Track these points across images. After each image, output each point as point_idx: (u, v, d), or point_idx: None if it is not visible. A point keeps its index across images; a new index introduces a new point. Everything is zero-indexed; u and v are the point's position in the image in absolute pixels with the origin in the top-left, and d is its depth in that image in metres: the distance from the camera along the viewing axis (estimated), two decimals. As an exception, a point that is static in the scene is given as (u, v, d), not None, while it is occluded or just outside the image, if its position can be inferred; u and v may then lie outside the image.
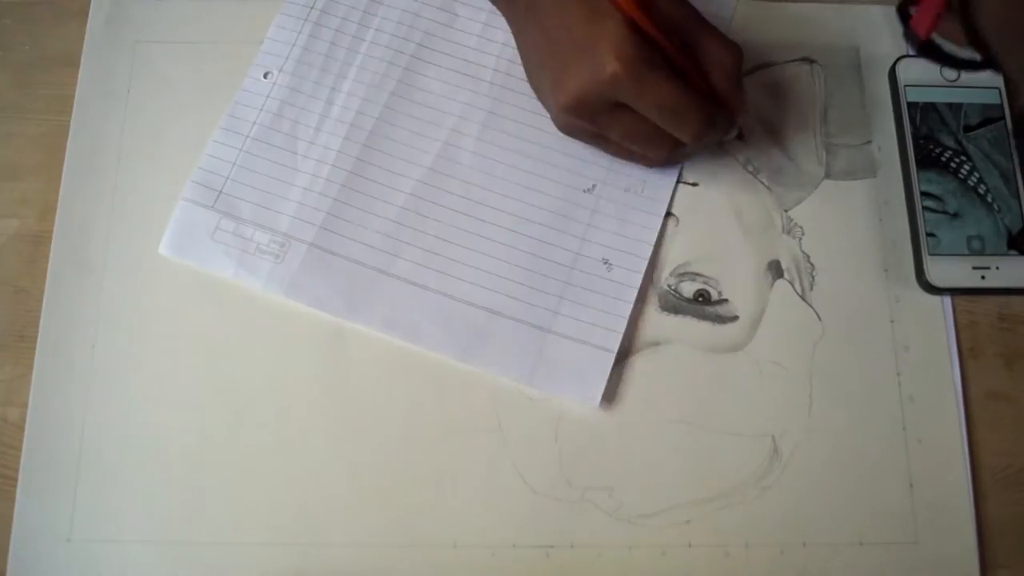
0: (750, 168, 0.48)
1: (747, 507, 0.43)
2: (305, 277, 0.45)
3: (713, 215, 0.47)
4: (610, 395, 0.44)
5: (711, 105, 0.41)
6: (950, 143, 0.47)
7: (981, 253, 0.45)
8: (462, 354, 0.44)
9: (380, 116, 0.48)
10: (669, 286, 0.46)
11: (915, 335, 0.45)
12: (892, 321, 0.46)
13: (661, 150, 0.43)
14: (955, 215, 0.46)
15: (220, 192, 0.46)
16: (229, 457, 0.43)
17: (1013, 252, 0.45)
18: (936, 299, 0.46)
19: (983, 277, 0.45)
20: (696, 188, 0.48)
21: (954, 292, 0.46)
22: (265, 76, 0.49)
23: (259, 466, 0.43)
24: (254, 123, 0.48)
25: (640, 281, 0.45)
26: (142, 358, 0.45)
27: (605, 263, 0.45)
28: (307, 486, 0.43)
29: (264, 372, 0.45)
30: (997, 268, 0.45)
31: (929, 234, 0.46)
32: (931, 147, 0.47)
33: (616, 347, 0.44)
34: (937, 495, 0.43)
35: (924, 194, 0.46)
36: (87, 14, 0.50)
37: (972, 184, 0.47)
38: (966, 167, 0.47)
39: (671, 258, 0.46)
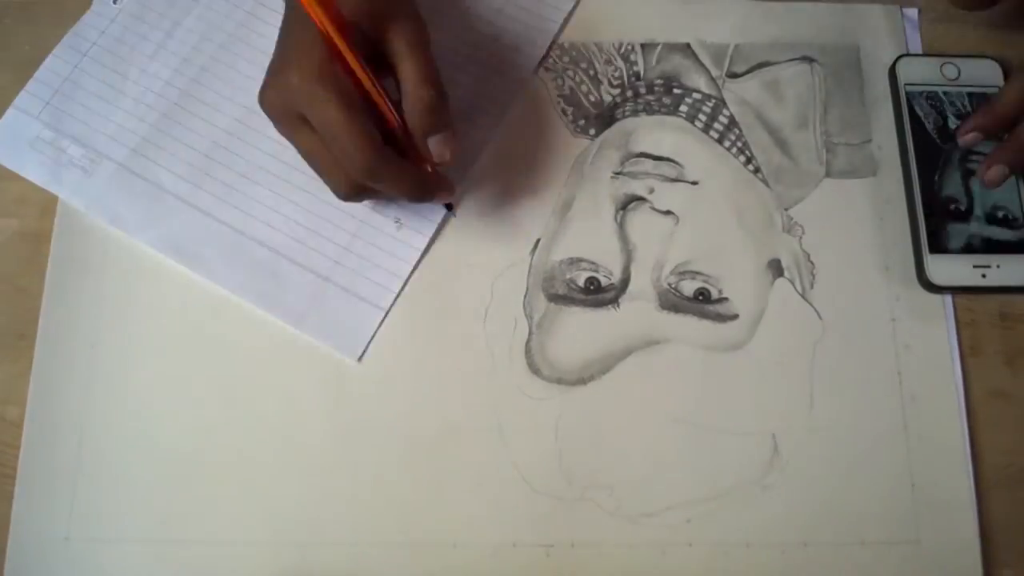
0: (750, 167, 0.48)
1: (747, 506, 0.43)
2: (108, 194, 0.47)
3: (713, 214, 0.47)
4: (373, 354, 0.45)
5: (380, 150, 0.39)
6: None
7: (982, 251, 0.45)
8: (239, 289, 0.45)
9: (213, 55, 0.50)
10: (669, 284, 0.46)
11: (916, 334, 0.45)
12: (893, 320, 0.46)
13: (335, 180, 0.41)
14: None
15: (47, 103, 0.48)
16: (228, 457, 0.43)
17: (1013, 251, 0.45)
18: (937, 298, 0.46)
19: (984, 276, 0.45)
20: (696, 187, 0.48)
21: (955, 291, 0.46)
22: (115, 1, 0.50)
23: (259, 466, 0.43)
24: (94, 43, 0.50)
25: (425, 244, 0.46)
26: (141, 358, 0.45)
27: (397, 222, 0.47)
28: (307, 486, 0.43)
29: (264, 372, 0.44)
30: (998, 266, 0.45)
31: (930, 233, 0.46)
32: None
33: (387, 305, 0.45)
34: (939, 494, 0.43)
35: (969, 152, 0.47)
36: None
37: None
38: None
39: (671, 257, 0.46)
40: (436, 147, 0.41)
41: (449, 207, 0.47)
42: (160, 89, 0.49)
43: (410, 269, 0.46)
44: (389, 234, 0.46)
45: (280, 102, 0.40)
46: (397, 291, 0.45)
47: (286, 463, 0.43)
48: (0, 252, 0.47)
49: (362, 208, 0.46)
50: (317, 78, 0.38)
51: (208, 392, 0.44)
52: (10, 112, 0.48)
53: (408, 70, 0.40)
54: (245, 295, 0.45)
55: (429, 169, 0.43)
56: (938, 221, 0.46)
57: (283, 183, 0.47)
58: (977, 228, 0.46)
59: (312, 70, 0.38)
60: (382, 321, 0.45)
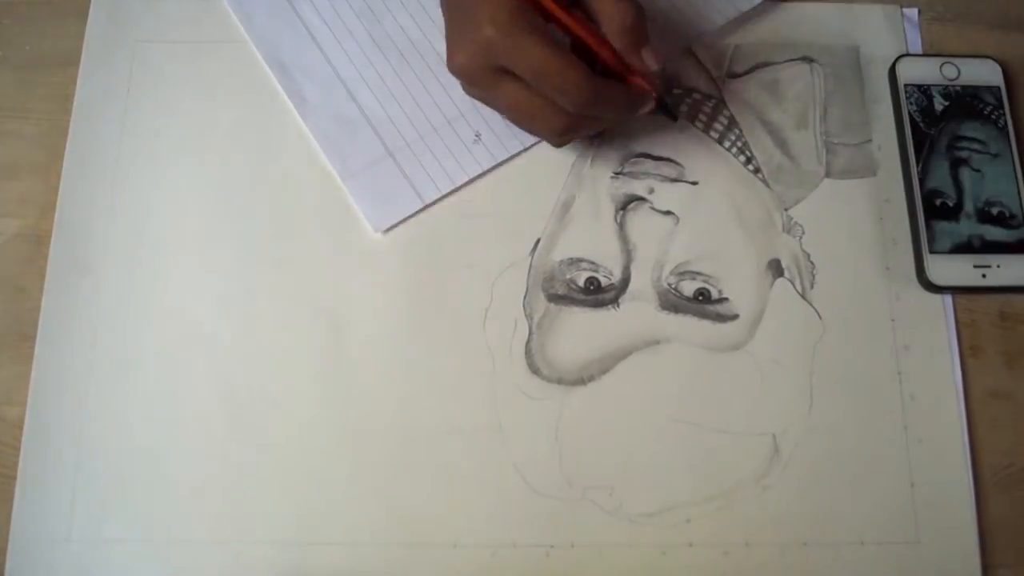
0: (750, 167, 0.48)
1: (747, 507, 0.43)
2: None
3: (713, 214, 0.47)
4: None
5: (593, 75, 0.40)
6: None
7: (982, 251, 0.45)
8: (312, 124, 0.48)
9: None
10: (669, 285, 0.46)
11: (916, 334, 0.45)
12: (893, 320, 0.46)
13: (549, 123, 0.42)
14: (996, 156, 0.47)
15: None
16: (229, 457, 0.43)
17: (1013, 250, 0.45)
18: (937, 298, 0.46)
19: (984, 275, 0.45)
20: (696, 187, 0.48)
21: (955, 291, 0.46)
22: None
23: (259, 466, 0.43)
24: None
25: (491, 165, 0.48)
26: (141, 358, 0.45)
27: (477, 135, 0.48)
28: (307, 486, 0.43)
29: (264, 372, 0.44)
30: (998, 266, 0.45)
31: (929, 231, 0.46)
32: (970, 99, 0.48)
33: (430, 199, 0.47)
34: (938, 494, 0.43)
35: (967, 138, 0.47)
36: (87, 14, 0.50)
37: (1006, 130, 0.48)
38: (1002, 120, 0.48)
39: (671, 257, 0.46)
40: (648, 58, 0.42)
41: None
42: None
43: (466, 180, 0.47)
44: (465, 142, 0.48)
45: (479, 59, 0.40)
46: (445, 192, 0.47)
47: (286, 463, 0.43)
48: (0, 252, 0.47)
49: (454, 109, 0.48)
50: (515, 24, 0.38)
51: (208, 392, 0.44)
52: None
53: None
54: (316, 134, 0.48)
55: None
56: (937, 221, 0.46)
57: (398, 56, 0.50)
58: (973, 227, 0.46)
59: (507, 18, 0.38)
60: (418, 211, 0.47)
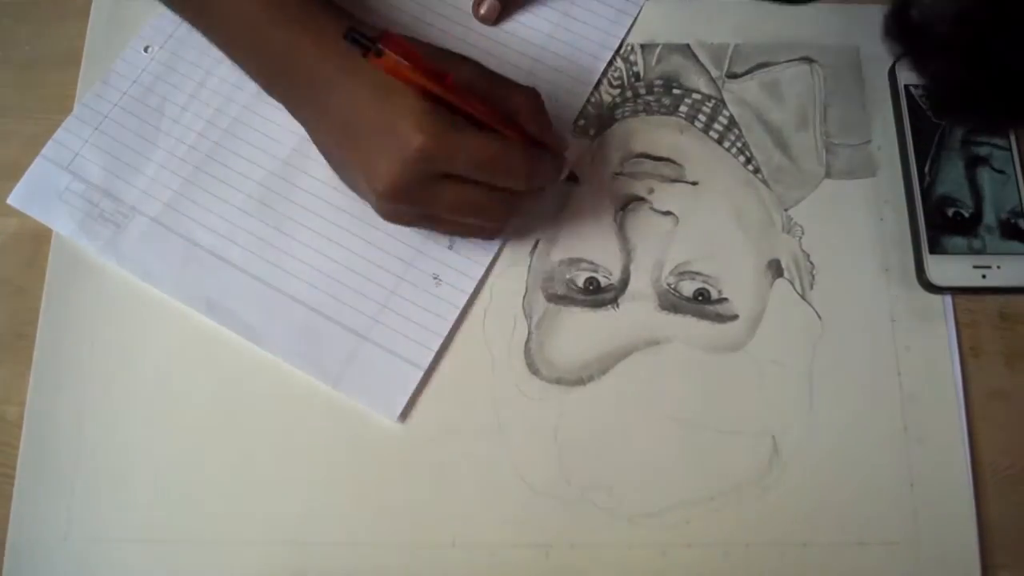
0: (750, 167, 0.48)
1: (747, 507, 0.43)
2: (140, 250, 0.46)
3: (713, 214, 0.47)
4: (411, 411, 0.44)
5: (530, 145, 0.40)
6: None
7: (982, 252, 0.45)
8: (274, 347, 0.44)
9: (247, 104, 0.48)
10: (669, 285, 0.46)
11: (916, 334, 0.45)
12: (893, 320, 0.46)
13: (495, 215, 0.42)
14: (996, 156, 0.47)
15: (77, 154, 0.47)
16: (228, 456, 0.43)
17: (1014, 251, 0.45)
18: (937, 298, 0.46)
19: (984, 276, 0.45)
20: (696, 187, 0.48)
21: (955, 291, 0.46)
22: (145, 50, 0.49)
23: (258, 465, 0.43)
24: (124, 93, 0.48)
25: (465, 301, 0.45)
26: (141, 357, 0.45)
27: (435, 278, 0.45)
28: (307, 486, 0.43)
29: (264, 370, 0.44)
30: (998, 267, 0.45)
31: (930, 232, 0.46)
32: None
33: (426, 364, 0.44)
34: (938, 495, 0.43)
35: (968, 141, 0.47)
36: (88, 13, 0.50)
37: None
38: None
39: (671, 257, 0.46)
40: (561, 135, 0.44)
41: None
42: (193, 141, 0.47)
43: (449, 327, 0.45)
44: (427, 290, 0.45)
45: (412, 173, 0.38)
46: (436, 349, 0.44)
47: (285, 463, 0.43)
48: (0, 252, 0.47)
49: (400, 264, 0.45)
50: (443, 124, 0.37)
51: (207, 391, 0.44)
52: (38, 162, 0.47)
53: (502, 89, 0.41)
54: (280, 353, 0.44)
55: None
56: (938, 221, 0.46)
57: (320, 238, 0.46)
58: (976, 226, 0.46)
59: (433, 121, 0.37)
60: (421, 380, 0.44)
